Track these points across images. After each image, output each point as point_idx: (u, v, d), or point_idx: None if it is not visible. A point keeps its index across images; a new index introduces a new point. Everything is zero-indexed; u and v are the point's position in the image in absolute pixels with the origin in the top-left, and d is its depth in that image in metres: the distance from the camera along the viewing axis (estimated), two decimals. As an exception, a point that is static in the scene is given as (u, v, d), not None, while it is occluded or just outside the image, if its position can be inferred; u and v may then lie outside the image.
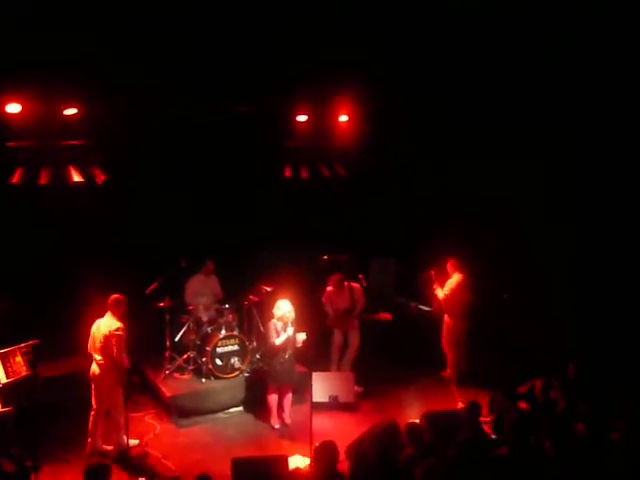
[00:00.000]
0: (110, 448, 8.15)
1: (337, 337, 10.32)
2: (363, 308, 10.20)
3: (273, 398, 8.84)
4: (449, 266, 10.19)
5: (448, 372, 10.25)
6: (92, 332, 8.03)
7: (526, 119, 9.62)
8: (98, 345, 7.90)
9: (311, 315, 10.11)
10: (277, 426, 8.87)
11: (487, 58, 9.19)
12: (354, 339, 10.29)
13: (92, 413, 8.03)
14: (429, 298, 10.60)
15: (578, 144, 9.49)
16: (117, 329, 7.79)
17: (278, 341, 8.59)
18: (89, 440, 8.01)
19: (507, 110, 9.71)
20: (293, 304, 8.75)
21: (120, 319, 7.91)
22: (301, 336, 8.59)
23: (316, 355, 9.98)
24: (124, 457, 7.93)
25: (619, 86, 8.78)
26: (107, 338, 7.80)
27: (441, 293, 10.11)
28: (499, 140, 9.90)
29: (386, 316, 10.67)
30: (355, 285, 10.17)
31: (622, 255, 9.42)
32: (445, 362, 10.34)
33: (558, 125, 9.46)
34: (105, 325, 7.88)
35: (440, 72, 9.57)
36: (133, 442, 8.24)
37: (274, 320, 8.69)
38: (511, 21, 8.50)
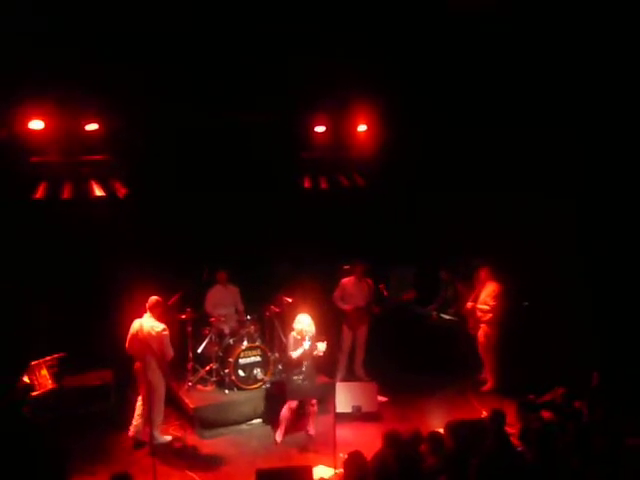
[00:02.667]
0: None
1: (347, 340, 10.40)
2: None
3: (286, 413, 8.76)
4: (483, 275, 10.12)
5: (486, 379, 10.20)
6: (134, 332, 8.33)
7: (555, 125, 9.57)
8: (140, 345, 8.27)
9: (331, 325, 10.15)
10: (279, 440, 8.78)
11: (506, 62, 9.18)
12: (362, 337, 10.42)
13: (138, 400, 8.54)
14: (461, 310, 10.56)
15: (607, 153, 9.43)
16: (164, 329, 8.25)
17: (294, 354, 8.57)
18: (133, 423, 8.48)
19: (534, 114, 9.65)
20: (313, 315, 8.77)
21: (160, 319, 8.33)
22: (322, 345, 8.55)
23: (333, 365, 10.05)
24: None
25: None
26: (153, 338, 8.21)
27: (485, 305, 10.01)
28: (520, 149, 9.87)
29: (410, 294, 10.58)
30: (368, 278, 10.31)
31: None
32: (476, 370, 10.35)
33: (587, 132, 9.41)
34: (148, 325, 8.26)
35: (460, 80, 9.57)
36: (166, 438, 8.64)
37: (294, 333, 8.70)
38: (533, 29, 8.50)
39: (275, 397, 9.35)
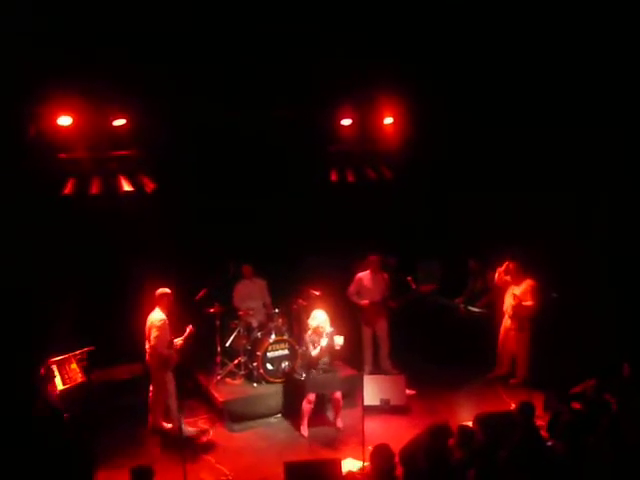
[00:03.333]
0: (169, 426, 8.75)
1: (367, 334, 10.39)
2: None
3: (307, 406, 8.76)
4: (514, 269, 9.98)
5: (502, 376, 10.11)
6: (146, 326, 8.54)
7: (586, 125, 9.45)
8: (147, 335, 8.50)
9: (353, 317, 10.24)
10: (306, 434, 8.77)
11: (531, 58, 9.08)
12: (383, 331, 10.38)
13: (150, 392, 8.68)
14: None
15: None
16: (159, 320, 8.37)
17: (314, 352, 8.58)
18: (150, 415, 8.74)
19: (567, 113, 9.53)
20: (330, 309, 8.86)
21: (166, 311, 8.46)
22: (339, 339, 8.54)
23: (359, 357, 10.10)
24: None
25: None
26: (149, 328, 8.40)
27: (526, 302, 9.88)
28: (546, 142, 9.76)
29: (429, 287, 10.50)
30: (384, 273, 10.31)
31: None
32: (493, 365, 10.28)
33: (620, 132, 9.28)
34: (151, 317, 8.45)
35: (486, 71, 9.48)
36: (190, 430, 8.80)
37: (309, 332, 8.70)
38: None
39: (294, 391, 9.31)
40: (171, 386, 8.59)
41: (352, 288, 10.29)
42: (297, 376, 9.31)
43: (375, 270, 10.27)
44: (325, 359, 8.65)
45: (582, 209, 9.81)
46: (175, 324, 8.65)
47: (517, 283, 9.95)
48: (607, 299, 9.51)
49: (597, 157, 9.46)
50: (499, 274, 10.09)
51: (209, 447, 8.56)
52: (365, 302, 10.19)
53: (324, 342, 8.52)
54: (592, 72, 9.07)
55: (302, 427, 8.81)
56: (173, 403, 8.61)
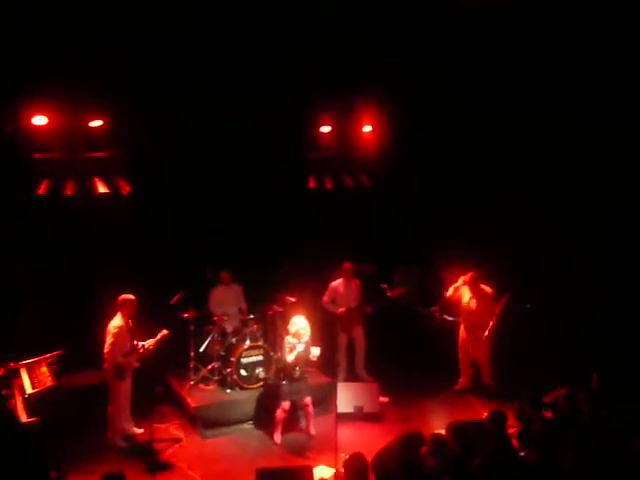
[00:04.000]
0: (140, 431, 8.67)
1: (342, 341, 10.39)
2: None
3: (281, 414, 8.70)
4: (472, 280, 9.88)
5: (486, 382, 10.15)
6: None
7: (550, 122, 9.53)
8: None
9: (329, 325, 10.22)
10: (279, 441, 8.72)
11: (505, 61, 9.15)
12: (359, 338, 10.40)
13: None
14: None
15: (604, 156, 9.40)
16: (115, 327, 8.17)
17: (289, 358, 8.54)
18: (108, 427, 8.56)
19: (531, 119, 9.62)
20: (310, 316, 8.79)
21: (127, 318, 8.29)
22: (315, 350, 8.52)
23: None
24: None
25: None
26: (106, 335, 8.21)
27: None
28: (522, 151, 9.83)
29: (399, 291, 10.49)
30: (356, 280, 10.37)
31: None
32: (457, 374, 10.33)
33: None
34: (110, 323, 8.26)
35: (462, 80, 9.54)
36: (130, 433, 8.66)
37: (289, 337, 8.66)
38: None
39: (268, 399, 9.26)
40: (123, 399, 8.42)
41: (326, 297, 10.31)
42: (272, 382, 9.26)
43: (348, 277, 10.27)
44: (300, 367, 8.62)
45: (556, 220, 9.87)
46: (148, 328, 8.55)
47: (474, 293, 9.89)
48: (578, 310, 9.59)
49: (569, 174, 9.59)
50: (454, 290, 10.03)
51: (181, 453, 8.45)
52: (341, 310, 10.18)
53: (301, 347, 8.49)
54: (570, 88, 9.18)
55: (275, 434, 8.76)
56: (118, 416, 8.43)
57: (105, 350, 8.17)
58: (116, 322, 8.23)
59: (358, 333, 10.40)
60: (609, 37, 8.49)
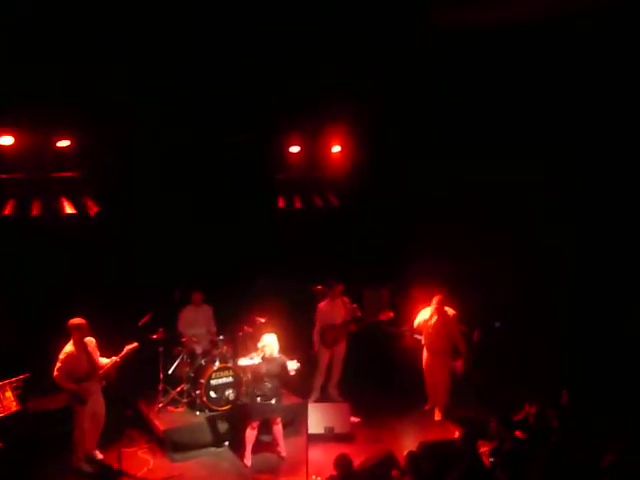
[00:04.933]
0: (101, 457, 8.44)
1: (325, 359, 10.31)
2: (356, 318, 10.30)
3: (250, 434, 8.60)
4: (440, 302, 9.74)
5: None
6: None
7: (517, 141, 9.69)
8: None
9: (305, 344, 10.12)
10: (249, 463, 8.62)
11: (475, 82, 9.29)
12: (340, 356, 10.34)
13: None
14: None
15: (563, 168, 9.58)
16: (64, 353, 7.98)
17: (240, 362, 8.60)
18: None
19: (498, 137, 9.78)
20: (282, 334, 8.75)
21: (79, 343, 8.04)
22: (292, 364, 8.49)
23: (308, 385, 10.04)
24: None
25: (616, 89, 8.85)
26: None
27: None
28: (490, 168, 9.96)
29: (388, 315, 10.47)
30: (345, 297, 10.29)
31: (611, 282, 9.48)
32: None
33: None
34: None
35: (431, 101, 9.65)
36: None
37: (254, 353, 8.63)
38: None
39: (238, 420, 9.17)
40: (87, 423, 8.19)
41: (318, 321, 10.26)
42: (241, 401, 9.24)
43: (334, 296, 10.24)
44: (269, 385, 8.55)
45: (527, 240, 9.99)
46: (117, 349, 8.43)
47: (439, 316, 9.72)
48: (547, 327, 9.70)
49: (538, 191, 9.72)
50: (423, 322, 9.88)
51: (150, 478, 8.31)
52: (316, 345, 10.20)
53: (257, 360, 8.43)
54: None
55: (246, 456, 8.66)
56: (82, 440, 8.22)
57: (54, 376, 7.96)
58: (66, 348, 8.01)
59: (339, 351, 10.36)
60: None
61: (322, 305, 10.31)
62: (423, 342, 9.92)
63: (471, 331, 9.96)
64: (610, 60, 8.51)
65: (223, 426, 9.30)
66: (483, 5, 7.76)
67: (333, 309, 10.24)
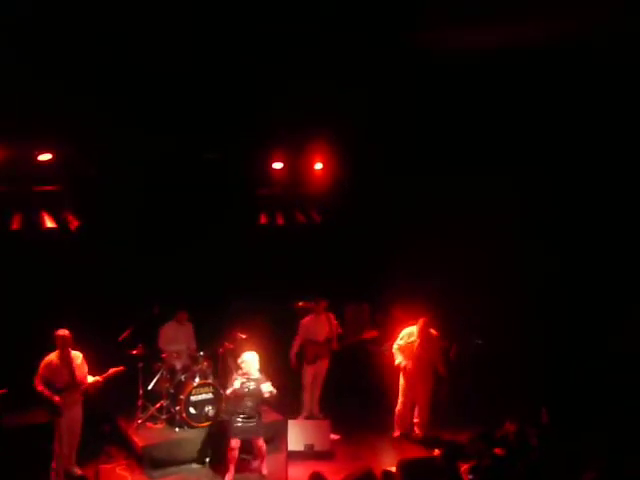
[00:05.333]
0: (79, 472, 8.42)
1: (308, 375, 10.26)
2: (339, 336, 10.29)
3: (231, 452, 8.50)
4: (425, 323, 9.62)
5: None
6: None
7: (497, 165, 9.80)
8: None
9: (284, 362, 10.08)
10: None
11: (464, 103, 9.38)
12: (322, 373, 10.30)
13: None
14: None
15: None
16: (43, 360, 8.09)
17: (228, 391, 8.51)
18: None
19: (481, 154, 9.88)
20: (262, 353, 8.71)
21: (60, 353, 8.10)
22: (266, 387, 8.40)
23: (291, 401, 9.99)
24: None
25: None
26: None
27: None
28: (475, 185, 10.06)
29: (372, 333, 10.44)
30: (330, 313, 10.26)
31: (590, 301, 9.57)
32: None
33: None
34: None
35: (414, 118, 9.73)
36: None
37: (236, 374, 8.60)
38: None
39: (218, 437, 9.10)
40: (64, 436, 8.11)
41: (300, 336, 10.19)
42: (222, 417, 9.18)
43: (318, 312, 10.22)
44: (250, 404, 8.50)
45: (509, 257, 10.06)
46: (97, 364, 8.40)
47: (422, 338, 9.57)
48: (528, 344, 9.75)
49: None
50: (405, 344, 9.73)
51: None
52: (292, 360, 10.15)
53: (237, 383, 8.37)
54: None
55: (227, 475, 8.57)
56: (59, 454, 8.11)
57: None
58: (49, 356, 8.12)
59: (322, 368, 10.31)
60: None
61: (306, 320, 10.26)
62: (403, 364, 9.69)
63: (450, 347, 9.95)
64: (589, 79, 8.64)
65: (204, 443, 9.22)
66: (465, 29, 7.85)
67: (317, 325, 10.22)
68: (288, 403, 9.88)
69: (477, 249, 10.13)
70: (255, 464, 8.82)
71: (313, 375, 10.31)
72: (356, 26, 8.00)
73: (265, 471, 8.70)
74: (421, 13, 7.57)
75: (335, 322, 10.32)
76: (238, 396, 8.43)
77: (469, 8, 7.31)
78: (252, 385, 8.41)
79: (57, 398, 7.96)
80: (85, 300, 9.68)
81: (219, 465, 8.81)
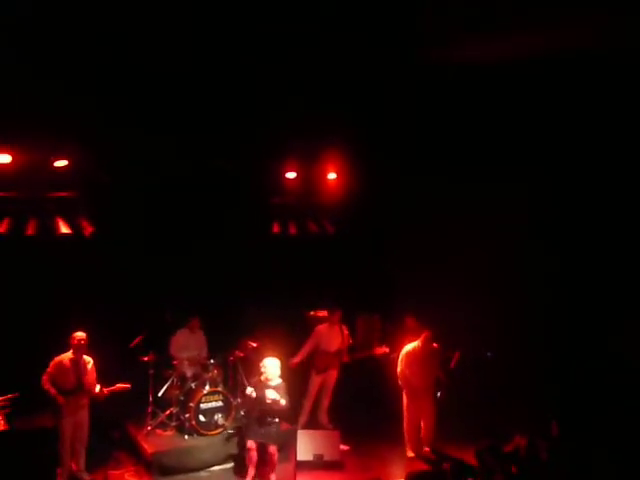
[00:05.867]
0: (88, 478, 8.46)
1: (315, 384, 10.23)
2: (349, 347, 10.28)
3: (250, 454, 8.57)
4: (426, 340, 9.43)
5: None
6: None
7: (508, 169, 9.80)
8: None
9: (296, 370, 10.06)
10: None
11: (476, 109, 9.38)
12: (330, 383, 10.28)
13: None
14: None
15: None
16: (55, 359, 8.21)
17: (248, 390, 8.55)
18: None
19: (497, 161, 9.87)
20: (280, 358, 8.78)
21: (73, 355, 8.24)
22: (270, 393, 8.43)
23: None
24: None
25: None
26: None
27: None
28: (486, 196, 10.05)
29: (383, 350, 10.41)
30: (343, 324, 10.27)
31: (601, 313, 9.51)
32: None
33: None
34: None
35: (429, 129, 9.73)
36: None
37: (258, 378, 8.63)
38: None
39: (238, 441, 9.21)
40: (66, 438, 8.21)
41: (310, 343, 10.17)
42: (241, 422, 9.29)
43: (333, 322, 10.23)
44: (267, 409, 8.50)
45: (513, 266, 10.03)
46: (108, 371, 8.46)
47: (426, 353, 9.40)
48: (535, 357, 9.70)
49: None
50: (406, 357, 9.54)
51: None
52: (295, 361, 10.06)
53: (271, 394, 8.42)
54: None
55: (247, 477, 8.60)
56: (63, 457, 8.23)
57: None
58: (60, 356, 8.24)
59: (330, 378, 10.29)
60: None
61: (321, 328, 10.26)
62: (404, 380, 9.53)
63: (452, 356, 9.84)
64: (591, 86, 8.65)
65: (213, 450, 9.23)
66: (473, 42, 7.87)
67: (330, 335, 10.21)
68: (294, 413, 9.88)
69: (492, 258, 10.11)
70: (264, 471, 8.82)
71: (320, 384, 10.29)
72: (369, 34, 8.03)
73: (274, 479, 8.70)
74: (429, 24, 7.58)
75: (347, 333, 10.32)
76: (255, 400, 8.47)
77: (473, 17, 7.32)
78: (271, 391, 8.44)
79: (61, 399, 8.03)
80: (98, 306, 9.73)
81: (235, 470, 8.90)
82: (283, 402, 8.42)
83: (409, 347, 9.54)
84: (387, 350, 10.30)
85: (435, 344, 9.50)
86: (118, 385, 8.38)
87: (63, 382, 8.12)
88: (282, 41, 7.74)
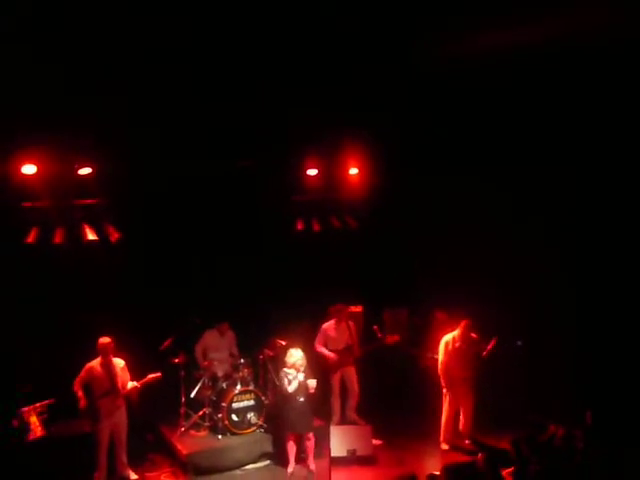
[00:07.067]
0: (135, 477, 8.70)
1: (335, 382, 10.27)
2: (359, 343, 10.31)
3: (290, 445, 8.83)
4: (466, 328, 9.48)
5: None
6: None
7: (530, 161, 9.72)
8: None
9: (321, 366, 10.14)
10: (290, 470, 8.84)
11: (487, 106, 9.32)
12: (352, 382, 10.28)
13: None
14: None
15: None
16: (87, 365, 8.37)
17: (290, 388, 8.62)
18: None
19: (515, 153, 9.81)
20: (305, 353, 8.86)
21: (102, 360, 8.37)
22: (312, 382, 8.61)
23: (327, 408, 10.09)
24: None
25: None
26: None
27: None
28: (509, 189, 9.99)
29: (394, 338, 10.41)
30: (350, 321, 10.30)
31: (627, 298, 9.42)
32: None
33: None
34: None
35: (450, 123, 9.69)
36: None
37: (285, 369, 8.75)
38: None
39: (273, 438, 9.37)
40: (102, 441, 8.34)
41: (319, 341, 10.25)
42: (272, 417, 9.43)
43: (339, 319, 10.26)
44: (301, 397, 8.66)
45: (544, 255, 9.96)
46: (139, 373, 8.54)
47: (464, 342, 9.44)
48: (569, 346, 9.63)
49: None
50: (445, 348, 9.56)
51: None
52: (331, 355, 10.13)
53: (301, 376, 8.62)
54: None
55: (289, 466, 8.88)
56: (100, 460, 8.37)
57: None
58: (91, 362, 8.38)
59: (349, 374, 10.31)
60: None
61: (326, 327, 10.30)
62: (443, 370, 9.57)
63: (487, 343, 9.78)
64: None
65: (246, 449, 9.31)
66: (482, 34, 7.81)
67: (338, 332, 10.26)
68: (325, 409, 9.96)
69: (515, 251, 10.06)
70: (304, 459, 8.99)
71: (340, 381, 10.31)
72: (387, 32, 8.00)
73: (313, 467, 8.84)
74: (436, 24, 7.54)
75: (354, 329, 10.32)
76: (287, 389, 8.64)
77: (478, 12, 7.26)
78: (302, 377, 8.62)
79: (83, 402, 8.18)
80: (127, 310, 9.81)
81: (270, 468, 9.08)
82: (313, 383, 8.59)
83: (448, 337, 9.56)
84: (398, 338, 10.30)
85: (473, 334, 9.49)
86: (149, 376, 8.48)
87: (97, 386, 8.26)
88: (301, 38, 7.74)
